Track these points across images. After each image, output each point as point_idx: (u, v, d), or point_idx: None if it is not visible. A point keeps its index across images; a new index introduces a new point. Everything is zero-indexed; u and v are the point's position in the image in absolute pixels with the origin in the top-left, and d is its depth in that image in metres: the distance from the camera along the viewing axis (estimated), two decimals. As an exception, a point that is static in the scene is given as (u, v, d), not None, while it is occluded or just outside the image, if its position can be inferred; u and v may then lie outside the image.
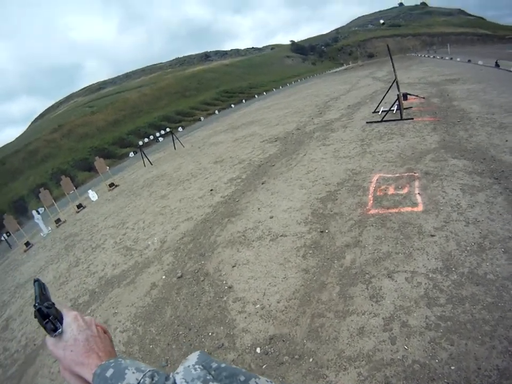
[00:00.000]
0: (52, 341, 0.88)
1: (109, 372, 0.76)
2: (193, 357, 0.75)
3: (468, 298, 3.52)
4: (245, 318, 4.55)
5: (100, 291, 7.05)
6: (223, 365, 0.72)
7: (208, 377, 0.68)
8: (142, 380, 0.72)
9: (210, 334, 4.53)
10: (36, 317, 0.87)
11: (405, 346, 3.24)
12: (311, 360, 3.53)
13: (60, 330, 0.88)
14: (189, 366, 0.72)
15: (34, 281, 0.99)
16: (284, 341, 3.91)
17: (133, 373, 0.74)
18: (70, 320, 0.91)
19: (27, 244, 15.84)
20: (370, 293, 4.09)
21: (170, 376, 0.73)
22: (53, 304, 0.92)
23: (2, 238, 21.84)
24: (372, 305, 3.89)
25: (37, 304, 0.88)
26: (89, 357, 0.84)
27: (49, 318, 0.87)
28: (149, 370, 0.75)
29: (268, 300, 4.69)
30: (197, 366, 0.71)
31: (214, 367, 0.71)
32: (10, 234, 17.58)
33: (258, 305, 4.66)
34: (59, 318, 0.90)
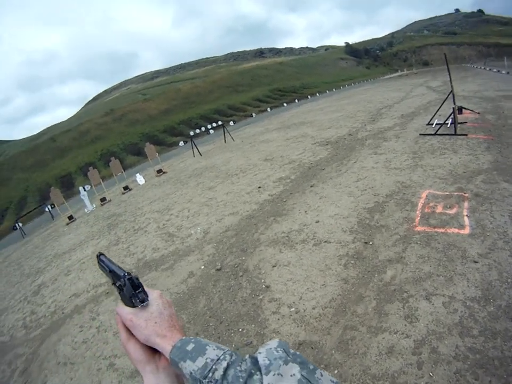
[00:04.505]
0: (132, 310, 0.93)
1: (190, 346, 0.81)
2: (274, 342, 0.80)
3: (501, 333, 3.45)
4: (278, 319, 4.62)
5: (137, 272, 7.27)
6: (297, 353, 0.76)
7: (288, 359, 0.73)
8: (222, 356, 0.77)
9: (240, 330, 4.65)
10: (122, 286, 0.93)
11: (431, 373, 3.22)
12: (336, 371, 3.56)
13: (148, 302, 0.92)
14: (270, 348, 0.77)
15: (100, 255, 1.09)
16: (312, 348, 3.96)
17: (214, 349, 0.79)
18: (157, 296, 0.97)
19: (70, 217, 16.47)
20: (405, 312, 4.07)
21: (246, 358, 0.78)
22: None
23: (46, 209, 22.62)
24: (405, 325, 3.89)
25: (126, 274, 0.94)
26: (172, 331, 0.90)
27: (141, 289, 0.92)
28: (228, 350, 0.80)
29: (304, 304, 4.75)
30: (278, 349, 0.76)
31: (291, 353, 0.77)
32: (54, 206, 18.18)
33: (293, 309, 4.73)
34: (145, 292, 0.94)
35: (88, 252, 9.87)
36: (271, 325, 4.56)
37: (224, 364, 0.75)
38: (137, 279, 0.94)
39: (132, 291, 0.92)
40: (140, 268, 7.48)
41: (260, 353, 0.77)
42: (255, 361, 0.76)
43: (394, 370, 3.39)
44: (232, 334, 4.60)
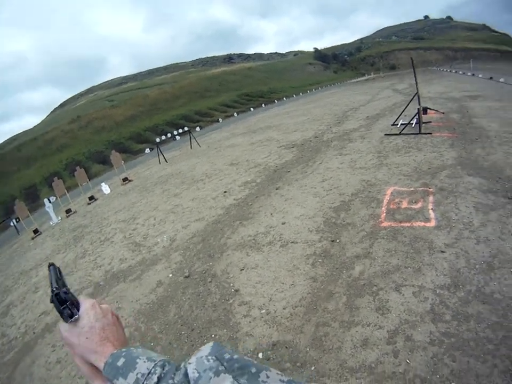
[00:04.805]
0: (66, 327, 0.88)
1: (120, 361, 0.77)
2: (206, 348, 0.74)
3: (473, 316, 3.52)
4: (250, 322, 4.55)
5: (105, 284, 7.10)
6: (235, 356, 0.70)
7: (220, 368, 0.67)
8: (152, 369, 0.72)
9: (213, 335, 4.54)
10: (52, 301, 0.87)
11: (408, 360, 3.24)
12: (313, 368, 3.53)
13: (77, 316, 0.87)
14: (201, 357, 0.71)
15: (50, 265, 1.00)
16: (287, 347, 3.91)
17: (144, 362, 0.75)
18: (88, 307, 0.91)
19: (35, 231, 15.94)
20: (376, 305, 4.08)
21: (181, 366, 0.73)
22: (69, 290, 0.92)
23: (11, 224, 22.08)
24: (377, 317, 3.89)
25: (54, 289, 0.88)
26: (104, 345, 0.85)
27: (67, 304, 0.87)
28: (160, 360, 0.76)
29: (274, 305, 4.70)
30: (209, 357, 0.70)
31: (226, 359, 0.70)
32: (19, 220, 17.72)
33: (263, 310, 4.67)
34: (76, 305, 0.89)
35: (56, 267, 9.58)
36: (243, 328, 4.49)
37: (155, 378, 0.71)
38: (65, 292, 0.89)
39: (58, 307, 0.87)
40: (108, 280, 7.28)
41: (189, 363, 0.72)
42: (187, 372, 0.71)
43: (371, 361, 3.39)
44: (205, 341, 4.46)
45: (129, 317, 5.58)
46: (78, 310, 0.89)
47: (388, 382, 3.10)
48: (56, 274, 0.97)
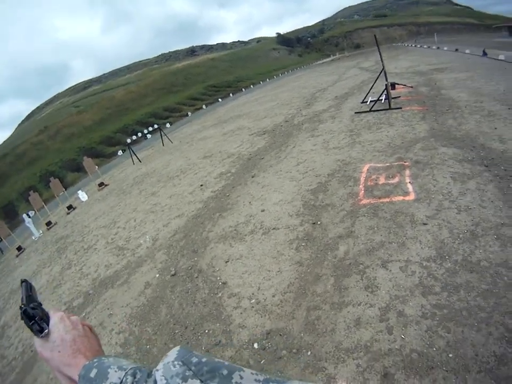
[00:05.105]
0: (39, 342, 0.87)
1: (93, 372, 0.76)
2: (173, 353, 0.72)
3: (463, 285, 3.53)
4: (241, 313, 4.53)
5: (94, 293, 6.99)
6: (204, 359, 0.68)
7: (187, 374, 0.65)
8: (124, 379, 0.72)
9: (206, 331, 4.51)
10: (22, 318, 0.87)
11: (402, 336, 3.25)
12: (309, 353, 3.52)
13: (47, 331, 0.87)
14: (168, 363, 0.69)
15: (21, 282, 0.98)
16: (281, 335, 3.90)
17: (115, 371, 0.74)
18: (57, 320, 0.90)
19: (19, 248, 15.65)
20: (365, 283, 4.09)
21: (153, 372, 0.71)
22: (40, 304, 0.91)
23: (-6, 245, 21.55)
24: (367, 295, 3.90)
25: (22, 306, 0.87)
26: (76, 357, 0.84)
27: (35, 319, 0.86)
28: (131, 368, 0.75)
29: (263, 294, 4.69)
30: (176, 363, 0.68)
31: (194, 363, 0.67)
32: (1, 239, 17.42)
33: (253, 300, 4.66)
34: (45, 319, 0.89)
35: (43, 281, 9.36)
36: (235, 320, 4.47)
37: None
38: (33, 308, 0.89)
39: (28, 323, 0.87)
40: (97, 287, 7.20)
41: (157, 370, 0.70)
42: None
43: (366, 340, 3.40)
44: (200, 337, 4.47)
45: (122, 322, 5.53)
46: (48, 324, 0.89)
47: (385, 359, 3.11)
48: (27, 290, 0.95)
